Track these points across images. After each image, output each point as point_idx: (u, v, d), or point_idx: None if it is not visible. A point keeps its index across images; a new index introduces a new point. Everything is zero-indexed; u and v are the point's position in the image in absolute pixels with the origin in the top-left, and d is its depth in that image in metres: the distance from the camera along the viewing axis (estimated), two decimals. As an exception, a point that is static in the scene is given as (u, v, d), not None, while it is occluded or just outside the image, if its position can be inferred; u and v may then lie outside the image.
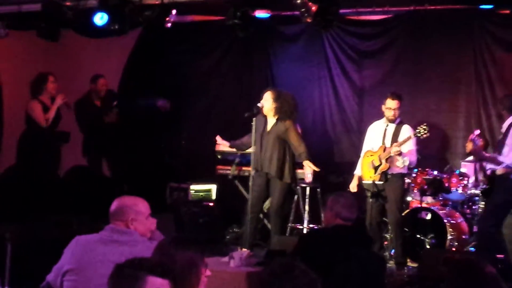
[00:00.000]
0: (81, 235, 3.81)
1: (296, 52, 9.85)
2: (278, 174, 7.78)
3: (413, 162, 7.90)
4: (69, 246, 3.77)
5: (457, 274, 3.13)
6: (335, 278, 4.79)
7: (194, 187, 8.95)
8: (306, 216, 8.50)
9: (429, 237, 7.96)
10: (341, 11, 8.20)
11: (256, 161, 7.79)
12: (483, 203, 7.96)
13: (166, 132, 9.87)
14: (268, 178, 7.87)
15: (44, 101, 8.72)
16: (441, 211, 8.05)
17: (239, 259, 5.39)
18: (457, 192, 8.13)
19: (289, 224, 8.62)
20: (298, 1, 7.73)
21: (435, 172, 8.16)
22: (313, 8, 7.70)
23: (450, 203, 8.36)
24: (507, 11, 8.71)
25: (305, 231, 8.35)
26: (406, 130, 7.84)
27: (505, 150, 7.09)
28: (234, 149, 8.47)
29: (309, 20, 7.85)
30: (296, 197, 8.72)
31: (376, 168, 7.81)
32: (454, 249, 7.74)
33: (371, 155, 7.93)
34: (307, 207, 8.51)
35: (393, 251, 7.96)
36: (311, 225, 8.45)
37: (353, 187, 8.05)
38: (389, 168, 7.77)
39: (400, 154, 7.68)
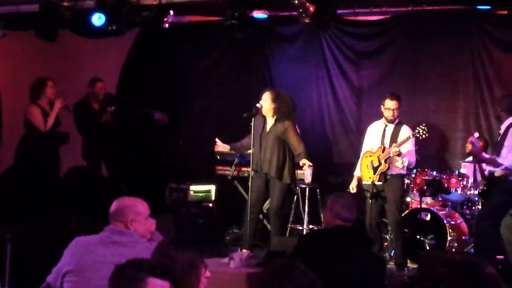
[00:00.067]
0: (80, 236, 3.81)
1: (294, 53, 9.84)
2: (278, 175, 7.79)
3: (412, 163, 7.90)
4: (69, 247, 3.77)
5: (458, 275, 3.13)
6: (335, 279, 4.79)
7: (193, 188, 8.92)
8: (305, 217, 8.49)
9: (429, 238, 7.95)
10: (339, 11, 8.19)
11: (256, 162, 7.78)
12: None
13: (165, 132, 9.85)
14: (267, 178, 7.87)
15: (43, 105, 8.72)
16: (440, 212, 8.04)
17: (239, 260, 5.38)
18: (456, 192, 8.11)
19: (289, 225, 8.61)
20: (296, 2, 7.71)
21: (434, 173, 8.15)
22: (311, 8, 7.68)
23: (450, 203, 8.36)
24: (505, 12, 8.71)
25: (304, 232, 8.34)
26: (405, 131, 7.83)
27: (504, 151, 7.08)
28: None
29: (306, 20, 7.84)
30: (295, 197, 8.72)
31: (375, 169, 7.81)
32: (454, 250, 7.74)
33: (370, 156, 7.93)
34: (306, 208, 8.49)
35: (393, 252, 7.96)
36: (310, 226, 8.44)
37: (352, 187, 8.05)
38: (388, 168, 7.76)
39: (399, 154, 7.68)
